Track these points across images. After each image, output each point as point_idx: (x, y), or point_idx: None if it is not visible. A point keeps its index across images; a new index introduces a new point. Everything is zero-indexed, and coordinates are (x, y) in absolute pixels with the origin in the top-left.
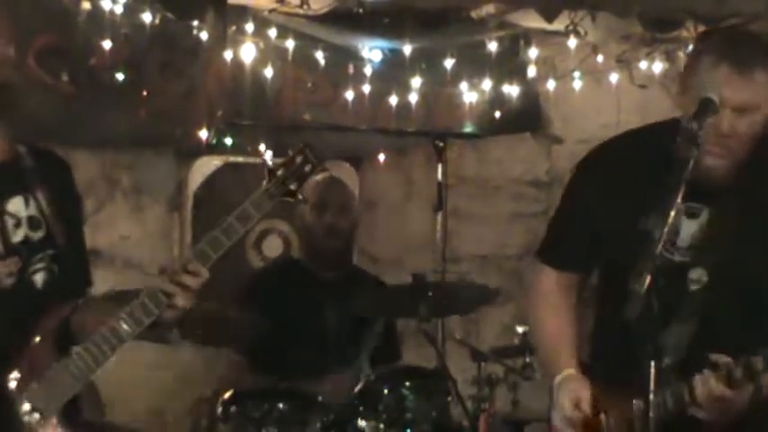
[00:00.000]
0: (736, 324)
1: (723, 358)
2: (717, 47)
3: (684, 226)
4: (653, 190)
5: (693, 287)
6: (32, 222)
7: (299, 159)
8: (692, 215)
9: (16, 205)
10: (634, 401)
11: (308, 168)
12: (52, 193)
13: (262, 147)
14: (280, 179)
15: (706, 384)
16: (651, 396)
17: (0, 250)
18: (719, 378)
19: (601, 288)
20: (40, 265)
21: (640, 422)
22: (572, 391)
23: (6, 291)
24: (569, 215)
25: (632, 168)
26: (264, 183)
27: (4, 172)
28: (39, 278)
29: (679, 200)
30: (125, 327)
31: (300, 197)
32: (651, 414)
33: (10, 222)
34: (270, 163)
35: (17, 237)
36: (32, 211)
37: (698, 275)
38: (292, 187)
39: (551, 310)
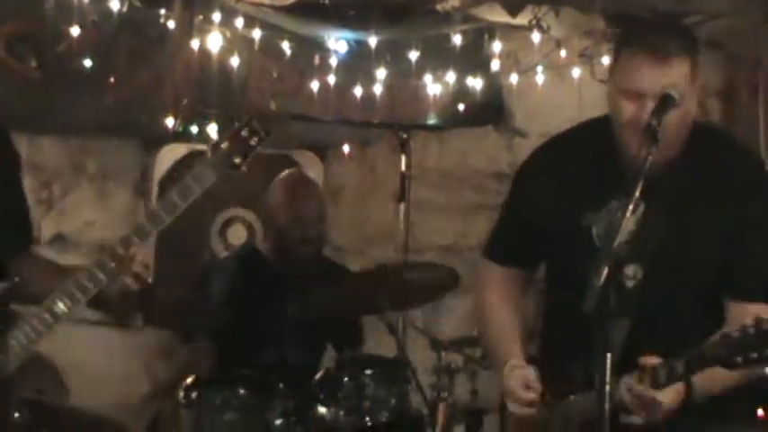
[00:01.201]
0: (669, 321)
1: (650, 360)
2: (634, 39)
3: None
4: (594, 184)
5: (629, 283)
6: None
7: (244, 132)
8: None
9: None
10: (571, 397)
11: (254, 141)
12: None
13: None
14: (223, 152)
15: (629, 387)
16: (607, 387)
17: None
18: (643, 379)
19: (548, 283)
20: None
21: (579, 417)
22: (521, 376)
23: None
24: (512, 213)
25: (573, 164)
26: (208, 156)
27: None
28: None
29: (637, 191)
30: (60, 305)
31: (244, 169)
32: (607, 405)
33: None
34: (214, 137)
35: None
36: None
37: (633, 271)
38: (237, 161)
39: (496, 306)
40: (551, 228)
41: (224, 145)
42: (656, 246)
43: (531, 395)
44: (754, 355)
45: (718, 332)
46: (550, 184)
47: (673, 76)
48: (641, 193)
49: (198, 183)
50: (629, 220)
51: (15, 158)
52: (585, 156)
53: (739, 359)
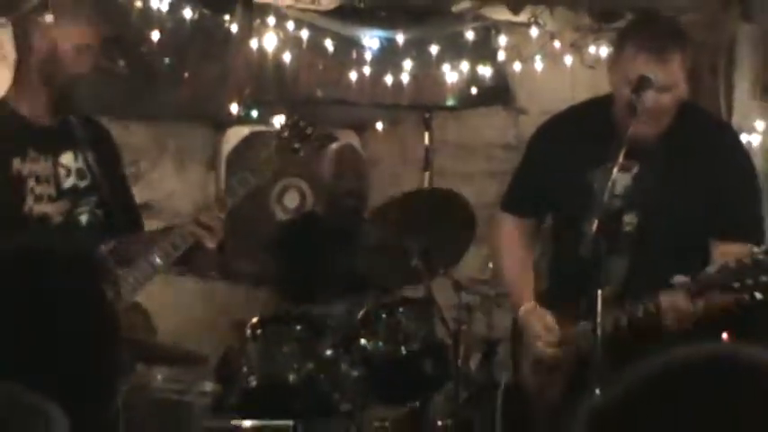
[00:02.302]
0: (662, 257)
1: (681, 278)
2: (636, 37)
3: (619, 179)
4: (595, 149)
5: (627, 228)
6: (80, 173)
7: (301, 123)
8: (624, 169)
9: (67, 158)
10: (580, 323)
11: (309, 130)
12: (97, 153)
13: (280, 118)
14: (285, 139)
15: (672, 299)
16: (598, 318)
17: (53, 193)
18: (681, 293)
19: (553, 231)
20: (84, 208)
21: (585, 340)
22: (540, 318)
23: (57, 226)
24: (525, 171)
25: (578, 133)
26: (274, 142)
27: (59, 133)
28: (83, 218)
29: (621, 156)
30: (158, 259)
31: (302, 154)
32: (598, 332)
33: (62, 172)
34: (278, 126)
35: (67, 184)
36: (80, 164)
37: (630, 219)
38: (296, 146)
39: (511, 252)
40: (559, 183)
41: (285, 133)
42: (649, 198)
43: (553, 337)
44: (750, 281)
45: (716, 264)
46: (560, 146)
47: (668, 67)
48: (636, 156)
49: (266, 164)
50: (625, 177)
51: (120, 157)
52: (590, 125)
53: (737, 284)
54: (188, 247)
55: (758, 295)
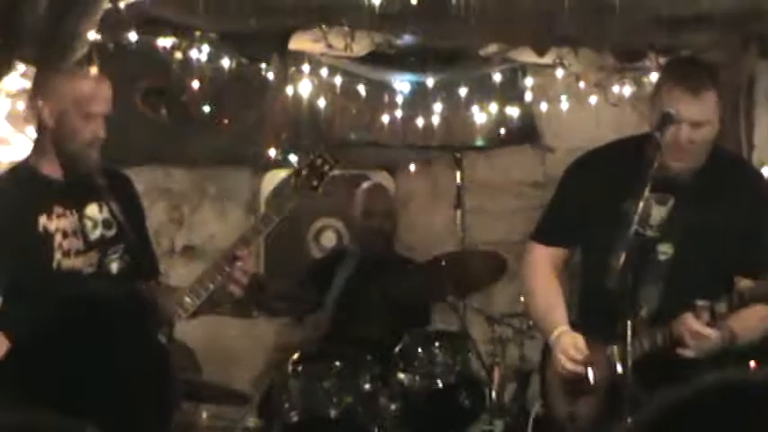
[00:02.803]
0: (694, 285)
1: (701, 302)
2: (673, 74)
3: (655, 210)
4: (627, 183)
5: (661, 257)
6: (106, 224)
7: (318, 161)
8: (661, 202)
9: (92, 210)
10: (608, 347)
11: (326, 168)
12: (120, 201)
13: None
14: (303, 177)
15: (686, 323)
16: (628, 348)
17: (81, 246)
18: (699, 316)
19: (583, 264)
20: (114, 256)
21: (617, 362)
22: (571, 339)
23: (89, 277)
24: (559, 202)
25: (612, 167)
26: (292, 180)
27: (82, 187)
28: (114, 266)
29: (647, 191)
30: (188, 300)
31: (320, 191)
32: (629, 361)
33: (89, 224)
34: (296, 165)
35: (94, 235)
36: (105, 214)
37: (665, 248)
38: (314, 183)
39: (542, 280)
40: (591, 214)
41: (304, 172)
42: (683, 230)
43: (581, 356)
44: None
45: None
46: (595, 179)
47: (703, 104)
48: (673, 189)
49: (285, 201)
50: (661, 209)
51: (141, 204)
52: (624, 160)
53: None
54: (217, 286)
55: None
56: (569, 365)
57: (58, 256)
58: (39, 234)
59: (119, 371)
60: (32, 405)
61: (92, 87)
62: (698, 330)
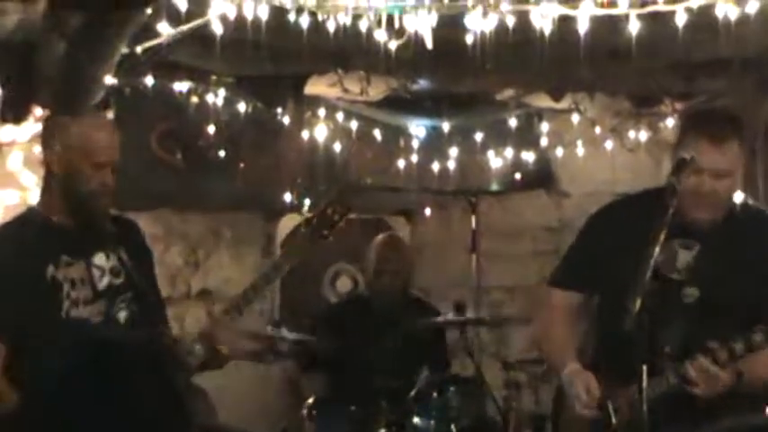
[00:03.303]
0: (718, 329)
1: (713, 343)
2: (696, 124)
3: (680, 255)
4: (648, 230)
5: (687, 300)
6: (114, 272)
7: (329, 210)
8: (686, 247)
9: (100, 259)
10: (630, 389)
11: (336, 217)
12: (128, 249)
13: (307, 200)
14: (313, 226)
15: (698, 363)
16: (644, 393)
17: (89, 296)
18: (717, 356)
19: (600, 308)
20: (122, 305)
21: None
22: (583, 380)
23: (96, 327)
24: (580, 248)
25: (635, 215)
26: (302, 229)
27: (89, 235)
28: (122, 315)
29: (663, 236)
30: (198, 348)
31: (330, 239)
32: (645, 407)
33: (96, 273)
34: (307, 214)
35: (102, 284)
36: (113, 262)
37: (691, 292)
38: (324, 232)
39: (558, 322)
40: (612, 260)
41: (314, 221)
42: (708, 274)
43: (593, 399)
44: None
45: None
46: (616, 226)
47: (726, 154)
48: (697, 236)
49: (295, 251)
50: (687, 254)
51: (149, 251)
52: (647, 208)
53: None
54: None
55: None
56: (584, 411)
57: (66, 305)
58: (47, 284)
59: (137, 416)
60: None
61: (99, 136)
62: (707, 370)
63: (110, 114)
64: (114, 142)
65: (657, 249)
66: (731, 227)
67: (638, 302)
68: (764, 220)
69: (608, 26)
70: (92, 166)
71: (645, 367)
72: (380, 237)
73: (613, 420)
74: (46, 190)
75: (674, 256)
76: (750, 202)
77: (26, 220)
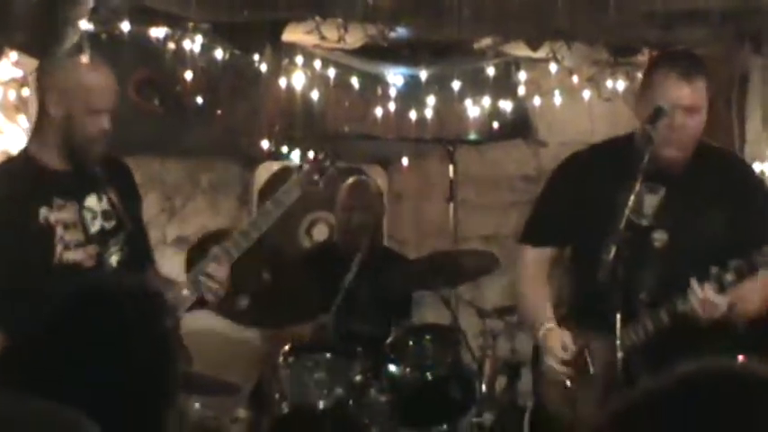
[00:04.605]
0: (689, 271)
1: (714, 269)
2: (665, 62)
3: (647, 199)
4: (617, 178)
5: (656, 244)
6: (105, 215)
7: (320, 156)
8: (652, 191)
9: (92, 202)
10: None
11: (327, 163)
12: (119, 191)
13: (310, 153)
14: (305, 172)
15: (697, 291)
16: (617, 341)
17: (82, 239)
18: (710, 284)
19: (572, 259)
20: (114, 248)
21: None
22: (558, 338)
23: (88, 270)
24: (547, 203)
25: (600, 164)
26: (294, 176)
27: (81, 177)
28: (114, 259)
29: (638, 185)
30: (185, 291)
31: (321, 186)
32: (619, 354)
33: (88, 216)
34: (297, 161)
35: (94, 228)
36: (105, 205)
37: (659, 236)
38: (315, 178)
39: (531, 281)
40: (581, 211)
41: (306, 167)
42: (675, 217)
43: (569, 355)
44: None
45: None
46: (582, 177)
47: (695, 90)
48: (663, 179)
49: (287, 196)
50: (653, 198)
51: (138, 194)
52: (612, 156)
53: None
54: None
55: None
56: (558, 366)
57: (59, 248)
58: (40, 226)
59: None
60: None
61: (99, 82)
62: (708, 298)
63: (85, 59)
64: (112, 87)
65: (633, 198)
66: (697, 167)
67: (612, 252)
68: (729, 158)
69: None
70: (90, 110)
71: (619, 315)
72: (349, 180)
73: (591, 370)
74: (38, 133)
75: (640, 201)
76: (714, 144)
77: (17, 163)
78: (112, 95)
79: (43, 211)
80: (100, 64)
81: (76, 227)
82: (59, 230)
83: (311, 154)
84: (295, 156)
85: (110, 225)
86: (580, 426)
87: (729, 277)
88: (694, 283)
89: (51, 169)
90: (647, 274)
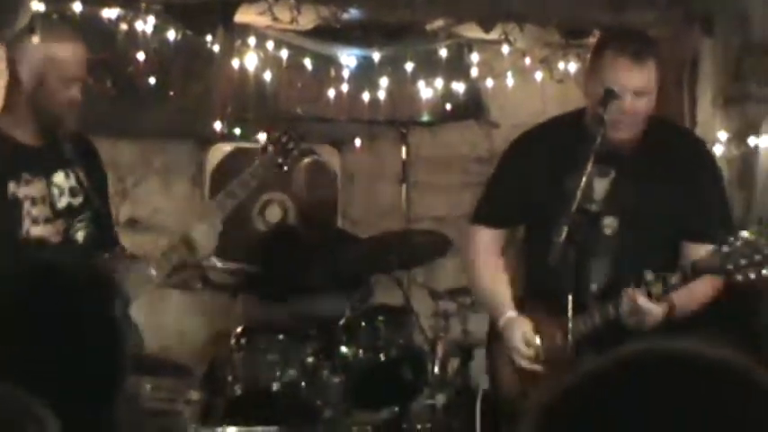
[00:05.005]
0: (641, 258)
1: (649, 274)
2: (614, 44)
3: (597, 184)
4: (568, 159)
5: (607, 231)
6: (73, 192)
7: (284, 139)
8: (602, 175)
9: (60, 178)
10: (559, 322)
11: (291, 146)
12: (87, 169)
13: (262, 135)
14: (269, 154)
15: (629, 296)
16: (570, 323)
17: (49, 214)
18: (651, 287)
19: (525, 241)
20: (80, 225)
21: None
22: (519, 331)
23: (55, 246)
24: (499, 183)
25: (551, 144)
26: (257, 158)
27: (50, 153)
28: (80, 236)
29: (589, 166)
30: (152, 271)
31: (285, 168)
32: (570, 337)
33: (56, 192)
34: (262, 143)
35: (61, 204)
36: (72, 182)
37: (609, 222)
38: (279, 161)
39: (486, 264)
40: (533, 192)
41: (270, 149)
42: (626, 202)
43: (533, 351)
44: (744, 261)
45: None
46: (533, 158)
47: (644, 72)
48: (613, 162)
49: (253, 177)
50: (603, 182)
51: (105, 173)
52: (563, 137)
53: (731, 266)
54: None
55: (752, 275)
56: (523, 363)
57: (26, 223)
58: (8, 200)
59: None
60: None
61: (71, 52)
62: (640, 305)
63: (35, 40)
64: (83, 58)
65: (584, 180)
66: (647, 147)
67: (564, 233)
68: (681, 134)
69: None
70: (61, 80)
71: (571, 297)
72: (306, 162)
73: (540, 355)
74: (9, 106)
75: (590, 185)
76: (668, 121)
77: None
78: (83, 65)
79: (11, 186)
80: (71, 34)
81: (44, 202)
82: (27, 205)
83: (273, 135)
84: (253, 137)
85: (77, 202)
86: (531, 408)
87: (659, 288)
88: (628, 290)
89: (21, 144)
90: (599, 264)
